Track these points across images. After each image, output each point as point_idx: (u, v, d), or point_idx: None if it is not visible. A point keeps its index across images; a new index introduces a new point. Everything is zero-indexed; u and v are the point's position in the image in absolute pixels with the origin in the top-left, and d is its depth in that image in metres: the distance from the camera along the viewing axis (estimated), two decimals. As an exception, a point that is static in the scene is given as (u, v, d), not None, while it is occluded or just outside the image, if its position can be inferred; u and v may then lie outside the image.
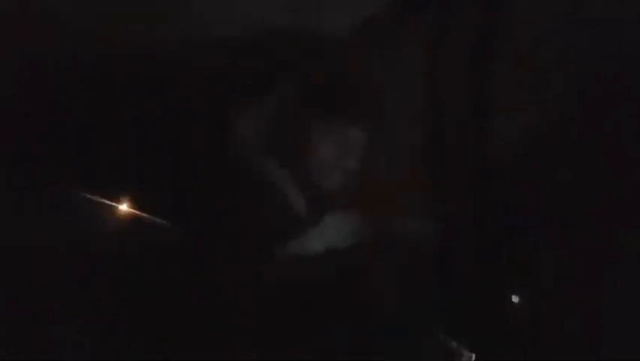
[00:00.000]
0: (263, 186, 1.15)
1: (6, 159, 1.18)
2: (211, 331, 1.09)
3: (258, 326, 1.09)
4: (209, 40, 1.31)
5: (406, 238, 1.21)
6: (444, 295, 1.21)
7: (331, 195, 1.18)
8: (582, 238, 1.18)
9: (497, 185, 1.28)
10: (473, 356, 1.16)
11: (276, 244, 1.12)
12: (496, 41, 1.28)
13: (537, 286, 1.21)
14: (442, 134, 1.32)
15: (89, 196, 1.15)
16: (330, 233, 1.15)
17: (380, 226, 1.19)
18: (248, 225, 1.14)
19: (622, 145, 1.19)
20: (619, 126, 1.18)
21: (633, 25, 1.19)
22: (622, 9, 1.19)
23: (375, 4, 1.31)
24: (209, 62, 1.32)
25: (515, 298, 1.22)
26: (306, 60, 1.25)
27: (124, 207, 1.17)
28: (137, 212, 1.17)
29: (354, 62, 1.29)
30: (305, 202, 1.16)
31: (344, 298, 1.15)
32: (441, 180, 1.31)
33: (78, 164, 1.19)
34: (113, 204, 1.17)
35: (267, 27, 1.32)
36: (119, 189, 1.17)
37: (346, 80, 1.21)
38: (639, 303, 1.12)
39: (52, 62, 1.27)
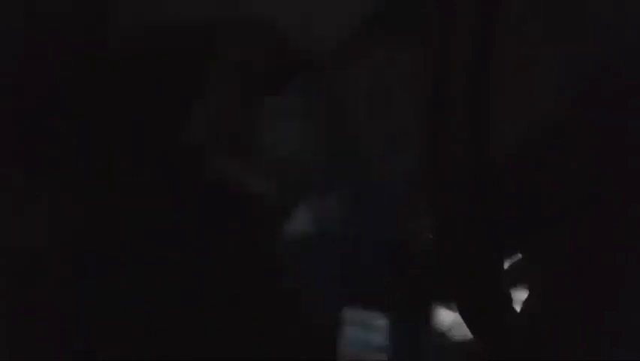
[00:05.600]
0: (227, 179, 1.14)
1: (6, 159, 1.18)
2: (199, 330, 1.09)
3: (242, 323, 1.09)
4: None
5: (406, 238, 1.21)
6: (443, 296, 1.21)
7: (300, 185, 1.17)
8: (582, 238, 1.18)
9: (497, 185, 1.28)
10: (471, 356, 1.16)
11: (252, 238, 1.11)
12: (496, 41, 1.27)
13: (537, 287, 1.21)
14: (441, 135, 1.32)
15: (82, 195, 1.15)
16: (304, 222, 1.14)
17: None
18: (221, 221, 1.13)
19: (623, 146, 1.18)
20: (620, 127, 1.18)
21: (635, 26, 1.18)
22: (624, 9, 1.18)
23: (375, 3, 1.31)
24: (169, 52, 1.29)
25: (515, 298, 1.22)
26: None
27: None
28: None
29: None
30: (275, 192, 1.14)
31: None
32: (440, 180, 1.31)
33: (72, 163, 1.19)
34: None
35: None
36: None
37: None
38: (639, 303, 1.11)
39: (51, 61, 1.27)
